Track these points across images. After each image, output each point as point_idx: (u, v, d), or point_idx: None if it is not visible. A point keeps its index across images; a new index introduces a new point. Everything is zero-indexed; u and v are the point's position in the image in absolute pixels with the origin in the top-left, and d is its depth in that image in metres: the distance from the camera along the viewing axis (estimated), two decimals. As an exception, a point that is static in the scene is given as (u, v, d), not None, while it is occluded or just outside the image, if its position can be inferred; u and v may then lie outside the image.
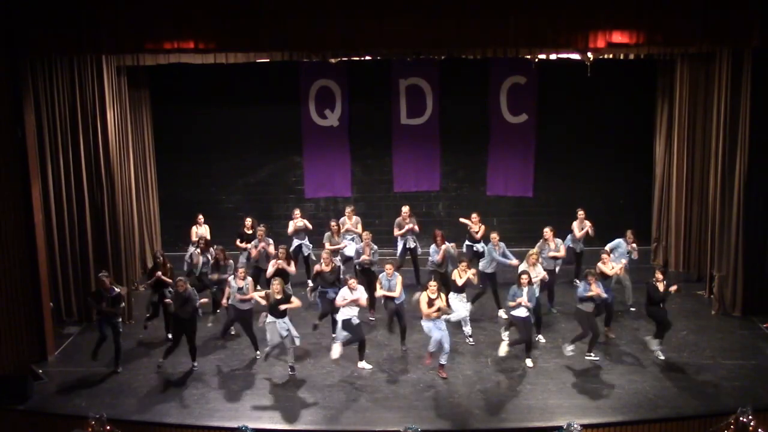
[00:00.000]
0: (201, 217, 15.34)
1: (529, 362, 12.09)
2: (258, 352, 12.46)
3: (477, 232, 14.69)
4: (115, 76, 14.65)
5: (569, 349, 12.11)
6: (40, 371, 11.91)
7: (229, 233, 15.37)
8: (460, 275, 12.49)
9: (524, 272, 12.11)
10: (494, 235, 13.72)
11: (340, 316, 11.93)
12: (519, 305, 11.81)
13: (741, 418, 9.84)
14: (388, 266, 12.53)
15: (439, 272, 13.70)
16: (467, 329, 12.94)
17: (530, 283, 11.99)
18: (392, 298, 12.42)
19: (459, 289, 12.60)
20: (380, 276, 12.64)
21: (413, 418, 10.48)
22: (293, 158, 17.77)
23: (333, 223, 14.88)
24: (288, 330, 11.74)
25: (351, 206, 15.76)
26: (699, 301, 14.69)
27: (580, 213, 14.85)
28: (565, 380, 11.57)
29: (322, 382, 11.68)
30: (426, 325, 11.71)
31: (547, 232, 13.76)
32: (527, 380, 11.61)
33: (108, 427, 9.98)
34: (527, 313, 11.94)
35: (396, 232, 15.04)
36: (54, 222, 13.59)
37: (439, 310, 11.66)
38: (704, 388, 11.30)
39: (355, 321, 11.89)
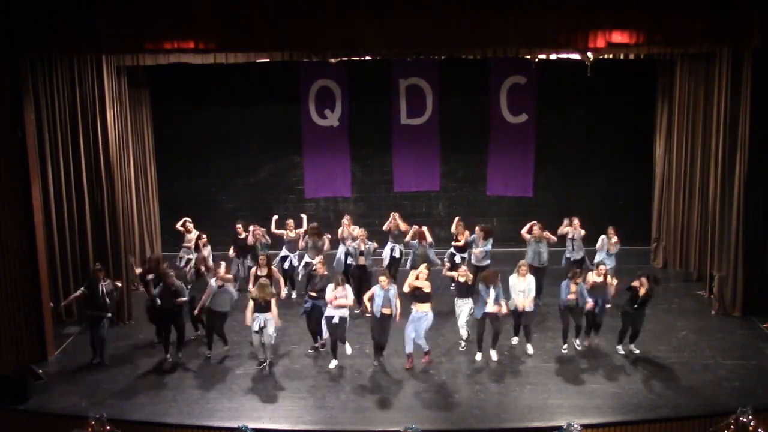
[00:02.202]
0: (189, 221, 15.01)
1: (494, 355, 12.26)
2: (226, 347, 12.55)
3: (458, 240, 14.50)
4: (115, 76, 14.65)
5: (564, 347, 12.49)
6: (40, 371, 11.90)
7: (229, 234, 15.38)
8: (460, 276, 12.34)
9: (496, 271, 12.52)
10: (478, 229, 14.27)
11: (326, 312, 12.00)
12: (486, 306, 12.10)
13: (741, 418, 9.84)
14: (382, 279, 11.93)
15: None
16: (463, 332, 12.55)
17: (500, 281, 12.28)
18: (386, 315, 11.84)
19: (466, 292, 12.34)
20: (374, 288, 12.00)
21: (413, 418, 10.47)
22: (293, 158, 17.78)
23: (313, 225, 14.63)
24: (263, 326, 11.83)
25: (348, 216, 15.19)
26: (699, 301, 14.70)
27: (576, 221, 14.51)
28: (565, 380, 11.56)
29: (322, 382, 11.67)
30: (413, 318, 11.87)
31: (537, 230, 14.18)
32: (527, 380, 11.60)
33: (108, 427, 9.97)
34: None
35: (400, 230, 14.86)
36: (54, 222, 13.59)
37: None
38: (704, 388, 11.29)
39: (336, 320, 11.86)
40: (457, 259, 14.39)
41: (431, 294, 12.00)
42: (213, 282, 12.31)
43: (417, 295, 11.88)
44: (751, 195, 13.47)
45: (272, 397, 11.29)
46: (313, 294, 12.32)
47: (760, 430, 9.79)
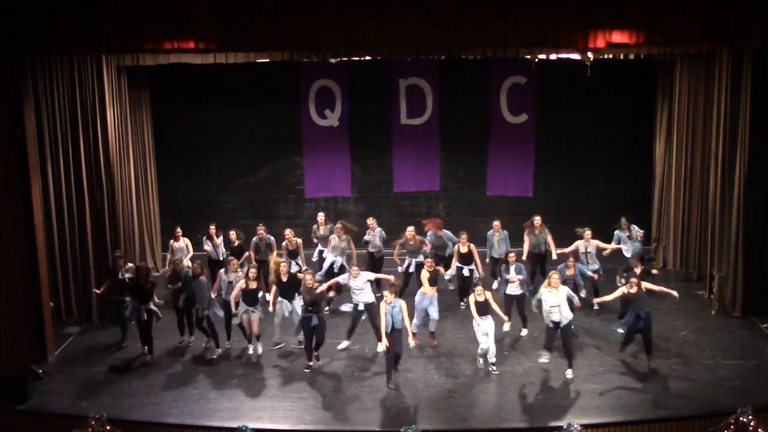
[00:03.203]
0: (179, 230, 14.71)
1: (524, 332, 13.09)
2: (250, 346, 12.72)
3: (465, 254, 13.84)
4: (115, 76, 14.66)
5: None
6: (40, 371, 11.90)
7: (229, 234, 15.35)
8: (477, 297, 11.63)
9: (511, 251, 13.19)
10: (497, 223, 14.67)
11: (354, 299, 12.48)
12: (506, 283, 12.85)
13: (741, 418, 9.82)
14: (386, 293, 11.35)
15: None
16: (492, 358, 11.85)
17: (518, 260, 12.87)
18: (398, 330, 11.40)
19: (486, 311, 11.67)
20: (381, 304, 11.46)
21: (413, 418, 10.48)
22: (293, 158, 17.77)
23: (288, 234, 14.46)
24: (291, 311, 12.45)
25: (322, 213, 15.26)
26: (699, 301, 14.69)
27: (587, 232, 14.09)
28: (565, 380, 11.56)
29: (322, 382, 11.68)
30: (418, 298, 12.61)
31: (538, 222, 14.51)
32: (527, 380, 11.60)
33: (108, 427, 9.96)
34: (521, 291, 12.83)
35: (397, 251, 14.41)
36: (54, 222, 13.60)
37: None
38: (704, 388, 11.29)
39: (361, 307, 12.35)
40: (465, 272, 13.94)
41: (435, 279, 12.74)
42: (223, 275, 12.70)
43: (429, 279, 12.68)
44: (751, 195, 13.46)
45: (272, 397, 11.29)
46: (309, 308, 11.82)
47: (760, 430, 9.78)
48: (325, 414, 10.80)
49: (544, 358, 11.85)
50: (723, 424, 10.07)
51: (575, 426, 9.75)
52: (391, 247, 14.85)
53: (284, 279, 12.32)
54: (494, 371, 11.77)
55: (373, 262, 14.90)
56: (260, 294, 12.50)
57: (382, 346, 11.84)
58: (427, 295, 12.59)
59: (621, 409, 10.73)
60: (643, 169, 17.29)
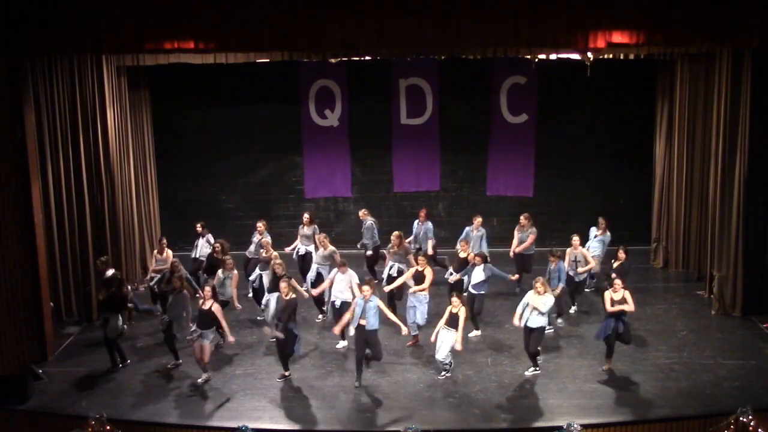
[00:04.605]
0: (164, 241, 14.26)
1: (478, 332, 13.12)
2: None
3: (463, 260, 13.38)
4: (115, 76, 14.67)
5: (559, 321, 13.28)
6: (40, 371, 11.90)
7: (230, 234, 15.40)
8: (452, 309, 11.44)
9: (479, 253, 13.16)
10: (479, 219, 14.70)
11: (332, 297, 12.57)
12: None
13: (741, 418, 9.84)
14: (366, 287, 11.29)
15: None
16: (447, 365, 11.68)
17: (485, 261, 12.90)
18: (363, 326, 11.25)
19: (455, 323, 11.38)
20: (355, 299, 11.56)
21: (413, 418, 10.48)
22: (293, 158, 17.79)
23: (261, 224, 14.51)
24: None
25: (309, 211, 15.34)
26: (699, 301, 14.69)
27: (575, 239, 13.84)
28: (565, 380, 11.56)
29: (322, 382, 11.67)
30: (411, 299, 12.63)
31: (523, 219, 14.74)
32: (527, 380, 11.60)
33: (108, 427, 9.98)
34: (484, 291, 13.04)
35: (389, 257, 13.94)
36: (54, 222, 13.59)
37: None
38: (704, 388, 11.29)
39: (338, 304, 12.34)
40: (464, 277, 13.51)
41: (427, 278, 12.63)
42: (221, 273, 12.86)
43: (416, 278, 12.57)
44: (751, 195, 13.46)
45: (272, 397, 11.29)
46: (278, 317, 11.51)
47: (760, 430, 9.79)
48: (325, 414, 10.79)
49: (530, 372, 11.76)
50: (723, 424, 10.08)
51: (575, 426, 9.76)
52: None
53: (287, 297, 11.39)
54: (442, 375, 11.63)
55: (370, 253, 15.13)
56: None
57: (342, 343, 12.52)
58: (414, 295, 12.59)
59: (621, 409, 10.72)
60: (643, 169, 17.30)
